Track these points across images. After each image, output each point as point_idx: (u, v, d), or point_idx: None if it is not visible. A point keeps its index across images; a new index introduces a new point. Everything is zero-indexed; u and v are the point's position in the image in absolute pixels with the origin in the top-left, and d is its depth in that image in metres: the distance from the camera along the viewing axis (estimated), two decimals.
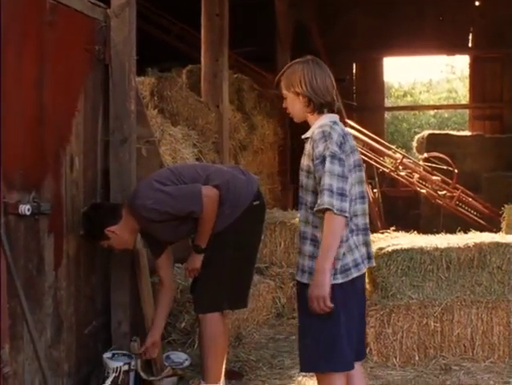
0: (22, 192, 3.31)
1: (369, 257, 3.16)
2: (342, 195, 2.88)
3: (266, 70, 11.05)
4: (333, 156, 2.92)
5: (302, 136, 3.15)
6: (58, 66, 3.66)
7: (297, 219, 6.48)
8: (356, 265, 3.03)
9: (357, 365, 3.17)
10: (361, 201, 3.10)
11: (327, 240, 2.90)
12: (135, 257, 4.25)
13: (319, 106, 3.10)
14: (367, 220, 3.15)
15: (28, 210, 3.24)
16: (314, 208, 2.93)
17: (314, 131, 3.05)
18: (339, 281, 2.97)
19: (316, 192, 2.98)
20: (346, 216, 2.90)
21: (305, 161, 3.07)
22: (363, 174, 3.15)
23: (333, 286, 2.94)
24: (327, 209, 2.87)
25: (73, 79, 3.84)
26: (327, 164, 2.91)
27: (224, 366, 4.00)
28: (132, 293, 4.24)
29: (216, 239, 3.87)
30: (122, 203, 3.97)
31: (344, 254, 2.98)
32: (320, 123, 3.07)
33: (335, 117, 3.12)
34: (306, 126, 3.20)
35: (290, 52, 11.47)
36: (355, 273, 3.02)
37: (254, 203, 3.93)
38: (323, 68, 3.13)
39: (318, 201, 2.90)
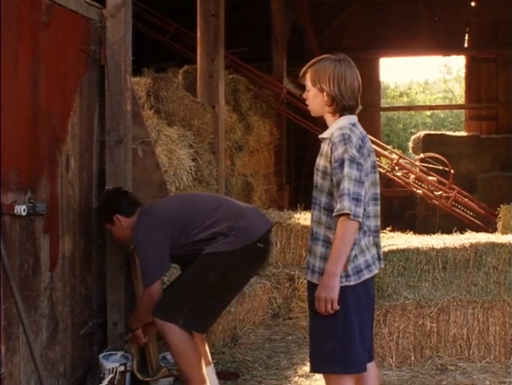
0: (18, 193, 3.31)
1: (379, 258, 3.16)
2: (357, 200, 2.88)
3: (261, 70, 11.05)
4: (352, 160, 2.91)
5: (320, 136, 3.14)
6: (53, 67, 3.65)
7: (293, 219, 6.54)
8: (368, 266, 3.03)
9: (371, 365, 3.19)
10: (374, 203, 3.10)
11: (340, 243, 2.89)
12: (130, 258, 4.25)
13: (342, 108, 3.06)
14: (379, 222, 3.15)
15: (24, 211, 3.23)
16: (334, 213, 2.91)
17: (333, 132, 3.01)
18: (352, 282, 2.97)
19: (331, 194, 2.98)
20: (359, 222, 2.90)
21: (321, 162, 3.05)
22: (378, 176, 3.14)
23: (346, 288, 2.95)
24: (345, 214, 2.87)
25: (68, 79, 3.83)
26: (346, 167, 2.90)
27: (204, 368, 3.86)
28: (128, 293, 4.23)
29: (205, 258, 3.75)
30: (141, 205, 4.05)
31: (356, 256, 2.98)
32: (339, 124, 3.04)
33: (355, 118, 3.10)
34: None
35: (285, 52, 11.49)
36: (367, 275, 3.02)
37: (258, 244, 3.81)
38: (352, 70, 3.09)
39: (338, 206, 2.88)
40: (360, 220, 2.90)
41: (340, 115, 3.08)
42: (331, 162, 2.97)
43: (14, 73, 3.29)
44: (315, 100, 3.12)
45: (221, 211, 3.87)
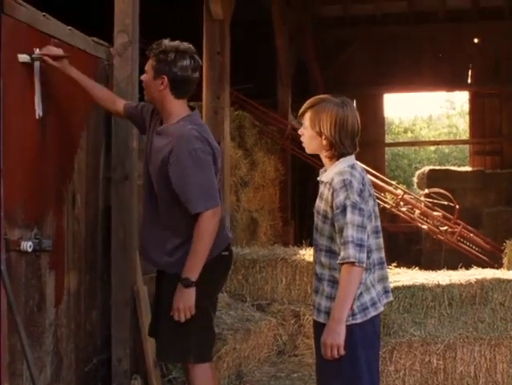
0: (24, 229, 3.32)
1: (386, 291, 3.13)
2: (360, 246, 2.87)
3: (266, 106, 11.13)
4: (354, 206, 2.89)
5: (318, 178, 3.11)
6: (61, 104, 3.69)
7: (298, 255, 6.52)
8: (374, 304, 3.01)
9: None
10: (375, 236, 3.08)
11: (345, 290, 2.89)
12: (135, 294, 4.24)
13: (340, 154, 3.03)
14: (383, 254, 3.13)
15: (30, 247, 3.24)
16: (338, 261, 2.91)
17: (333, 178, 2.98)
18: (359, 320, 2.96)
19: (331, 238, 2.98)
20: (363, 267, 2.90)
21: (322, 205, 3.03)
22: (377, 208, 3.12)
23: (353, 326, 2.93)
24: (350, 262, 2.86)
25: (75, 116, 3.87)
26: (348, 214, 2.88)
27: None
28: (133, 330, 4.21)
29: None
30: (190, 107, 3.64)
31: (361, 293, 2.97)
32: (338, 168, 3.01)
33: (352, 159, 3.06)
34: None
35: (290, 89, 11.58)
36: (373, 312, 3.00)
37: (223, 253, 3.57)
38: (354, 113, 3.03)
39: (342, 254, 2.88)
40: (364, 265, 2.89)
41: (338, 159, 3.05)
42: (332, 207, 2.96)
43: (22, 110, 3.33)
44: (312, 142, 3.07)
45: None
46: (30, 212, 3.36)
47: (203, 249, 3.37)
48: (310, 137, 3.07)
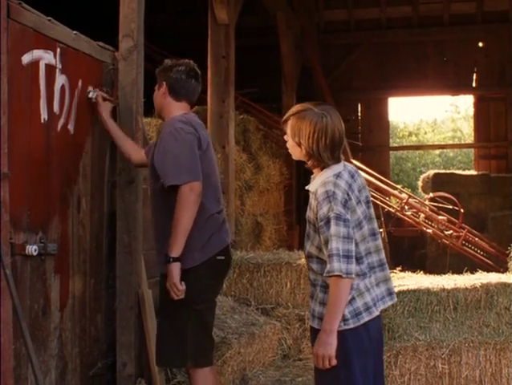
0: (29, 233, 3.33)
1: (390, 293, 3.09)
2: (348, 257, 2.84)
3: (271, 111, 11.14)
4: (338, 218, 2.85)
5: (306, 187, 3.09)
6: (66, 108, 3.70)
7: (303, 260, 6.51)
8: (367, 309, 2.97)
9: None
10: (373, 238, 3.05)
11: (334, 302, 2.87)
12: (140, 298, 4.24)
13: (321, 166, 3.00)
14: (383, 256, 3.09)
15: (35, 251, 3.25)
16: (324, 274, 2.89)
17: (317, 189, 2.95)
18: (351, 326, 2.93)
19: (319, 248, 2.97)
20: (352, 278, 2.87)
21: (311, 215, 3.01)
22: (373, 211, 3.09)
23: (345, 332, 2.91)
24: (336, 275, 2.84)
25: (81, 120, 3.87)
26: (333, 226, 2.85)
27: None
28: (138, 334, 4.21)
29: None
30: (192, 105, 3.86)
31: (354, 298, 2.94)
32: (323, 178, 2.96)
33: (339, 167, 3.00)
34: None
35: (295, 93, 11.59)
36: (366, 317, 2.96)
37: (218, 257, 3.62)
38: (334, 123, 2.96)
39: (328, 267, 2.86)
40: (353, 276, 2.86)
41: (322, 168, 3.00)
42: (317, 219, 2.93)
43: (28, 114, 3.34)
44: (294, 150, 3.07)
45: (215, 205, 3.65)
46: (35, 216, 3.37)
47: (182, 225, 3.42)
48: (292, 146, 3.06)
